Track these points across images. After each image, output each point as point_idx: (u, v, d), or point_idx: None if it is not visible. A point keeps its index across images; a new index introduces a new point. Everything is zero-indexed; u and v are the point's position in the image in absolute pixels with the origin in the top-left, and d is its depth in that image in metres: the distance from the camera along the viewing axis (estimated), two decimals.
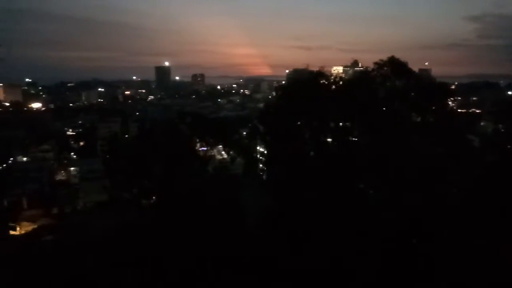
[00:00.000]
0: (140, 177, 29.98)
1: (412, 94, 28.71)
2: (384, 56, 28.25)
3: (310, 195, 22.64)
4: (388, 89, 28.81)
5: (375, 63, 28.51)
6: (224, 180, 30.15)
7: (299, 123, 29.64)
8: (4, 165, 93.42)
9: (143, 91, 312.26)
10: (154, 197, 30.92)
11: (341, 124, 28.94)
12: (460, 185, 24.44)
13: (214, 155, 48.53)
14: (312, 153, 28.48)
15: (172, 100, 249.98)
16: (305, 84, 31.06)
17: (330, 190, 23.00)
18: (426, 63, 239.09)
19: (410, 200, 21.45)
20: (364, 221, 21.03)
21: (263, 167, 36.59)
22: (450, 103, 34.75)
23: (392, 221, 20.97)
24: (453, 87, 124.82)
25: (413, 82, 28.87)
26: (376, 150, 24.03)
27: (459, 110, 75.75)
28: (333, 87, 30.22)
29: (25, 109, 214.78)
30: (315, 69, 31.31)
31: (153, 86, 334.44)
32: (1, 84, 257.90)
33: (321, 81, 30.73)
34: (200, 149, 44.86)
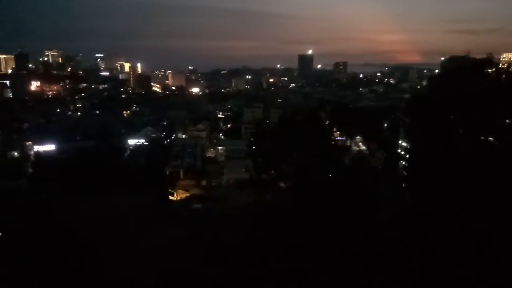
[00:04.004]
0: (279, 161, 31.43)
1: None
2: None
3: (462, 200, 19.95)
4: None
5: None
6: (361, 172, 29.11)
7: (452, 117, 26.28)
8: (169, 140, 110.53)
9: (286, 79, 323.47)
10: (290, 181, 32.08)
11: (509, 121, 24.47)
12: None
13: (351, 146, 47.23)
14: (466, 152, 24.94)
15: (312, 88, 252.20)
16: (466, 73, 27.18)
17: (487, 197, 19.81)
18: None
19: None
20: None
21: (405, 163, 33.87)
22: None
23: None
24: None
25: None
26: None
27: None
28: (503, 76, 25.63)
29: (187, 92, 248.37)
30: (479, 56, 27.07)
31: (295, 74, 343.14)
32: (170, 71, 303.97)
33: (487, 70, 26.45)
34: (338, 138, 44.29)
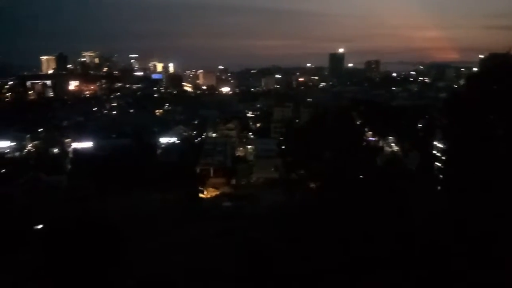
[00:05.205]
0: (309, 161, 31.30)
1: None
2: None
3: (502, 203, 19.12)
4: None
5: None
6: (394, 173, 28.47)
7: (492, 117, 25.21)
8: (200, 138, 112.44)
9: (316, 77, 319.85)
10: (320, 181, 31.86)
11: None
12: None
13: (383, 147, 46.24)
14: (506, 153, 23.83)
15: (343, 87, 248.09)
16: (507, 72, 25.96)
17: None
18: None
19: None
20: None
21: (441, 165, 32.79)
22: None
23: None
24: None
25: None
26: None
27: None
28: None
29: (217, 92, 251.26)
30: None
31: (326, 73, 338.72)
32: (201, 71, 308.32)
33: None
34: (370, 138, 43.50)
